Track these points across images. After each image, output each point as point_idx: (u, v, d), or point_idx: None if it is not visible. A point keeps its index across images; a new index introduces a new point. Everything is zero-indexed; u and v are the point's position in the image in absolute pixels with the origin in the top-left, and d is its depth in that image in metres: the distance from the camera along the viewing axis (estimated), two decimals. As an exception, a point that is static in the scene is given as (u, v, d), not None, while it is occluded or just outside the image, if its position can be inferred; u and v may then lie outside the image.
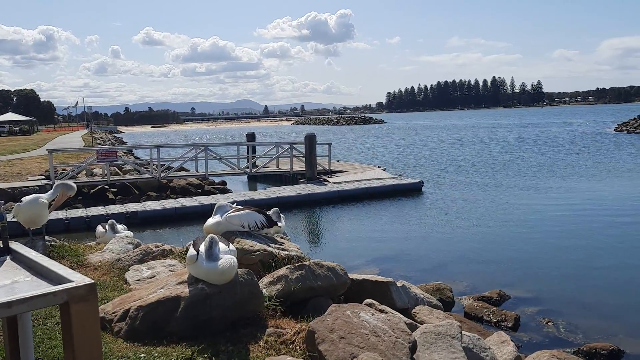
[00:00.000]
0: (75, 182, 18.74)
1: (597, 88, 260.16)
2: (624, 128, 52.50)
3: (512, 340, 5.44)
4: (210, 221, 5.26)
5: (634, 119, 54.13)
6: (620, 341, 6.87)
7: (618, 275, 9.70)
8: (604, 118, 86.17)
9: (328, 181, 20.70)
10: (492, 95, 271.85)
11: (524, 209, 16.21)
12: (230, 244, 4.08)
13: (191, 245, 3.97)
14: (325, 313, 3.91)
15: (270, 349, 3.63)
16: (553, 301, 8.52)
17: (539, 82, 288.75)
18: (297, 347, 3.72)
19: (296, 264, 4.82)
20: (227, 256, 3.77)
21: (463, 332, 4.61)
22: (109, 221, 7.39)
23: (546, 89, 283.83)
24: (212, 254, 3.74)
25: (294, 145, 22.73)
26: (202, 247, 3.78)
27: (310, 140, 21.44)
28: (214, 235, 3.88)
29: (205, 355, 3.39)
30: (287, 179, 23.06)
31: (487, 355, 4.49)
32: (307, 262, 4.89)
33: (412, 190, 19.67)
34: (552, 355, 4.50)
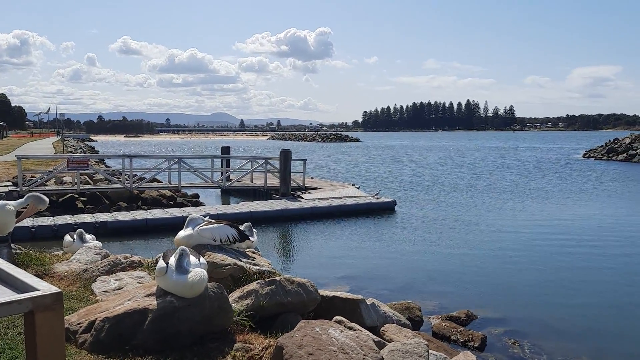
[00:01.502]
0: (44, 190, 18.42)
1: (567, 115, 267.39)
2: (592, 155, 53.95)
3: (477, 360, 5.50)
4: (182, 233, 5.23)
5: (602, 146, 55.66)
6: (583, 363, 7.00)
7: (583, 298, 9.90)
8: (572, 144, 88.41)
9: (302, 197, 20.71)
10: (466, 118, 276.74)
11: (492, 230, 16.47)
12: (201, 257, 4.06)
13: (161, 258, 3.94)
14: (294, 329, 3.90)
15: (237, 364, 3.61)
16: (519, 322, 8.65)
17: (511, 106, 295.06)
18: (265, 363, 3.70)
19: (267, 279, 4.81)
20: (197, 269, 3.74)
21: (430, 351, 4.65)
22: (77, 230, 7.26)
23: (518, 113, 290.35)
24: (182, 267, 3.71)
25: (269, 160, 22.72)
26: (172, 260, 3.75)
27: (286, 156, 21.47)
28: (185, 248, 3.86)
29: (171, 369, 3.36)
30: (260, 194, 23.00)
31: (453, 375, 4.53)
32: (277, 278, 4.90)
33: (385, 209, 19.80)
34: (516, 375, 4.57)
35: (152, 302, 3.78)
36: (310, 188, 23.01)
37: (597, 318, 8.91)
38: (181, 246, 3.88)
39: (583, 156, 55.33)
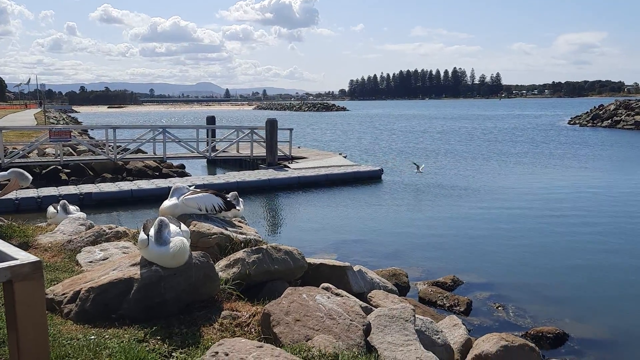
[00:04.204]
0: (26, 162, 18.15)
1: (553, 82, 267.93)
2: (577, 121, 54.29)
3: (463, 324, 5.59)
4: (167, 203, 5.17)
5: (587, 112, 55.98)
6: (566, 325, 7.15)
7: (566, 262, 10.06)
8: (558, 111, 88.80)
9: (289, 167, 20.66)
10: (452, 85, 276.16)
11: (477, 196, 16.59)
12: (182, 225, 4.01)
13: (141, 229, 3.89)
14: (282, 296, 3.91)
15: (225, 331, 3.61)
16: (504, 287, 8.78)
17: (497, 74, 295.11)
18: (252, 330, 3.71)
19: (253, 248, 4.80)
20: (177, 238, 3.70)
21: (416, 316, 4.70)
22: (61, 202, 7.17)
23: (504, 81, 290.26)
24: (162, 238, 3.66)
25: (255, 130, 22.55)
26: (152, 231, 3.70)
27: (272, 125, 21.31)
28: (163, 218, 3.80)
29: (158, 337, 3.35)
30: (247, 164, 22.90)
31: (438, 338, 4.60)
32: (264, 246, 4.88)
33: (372, 178, 19.83)
34: (500, 338, 4.64)
35: (137, 272, 3.75)
36: (297, 157, 22.94)
37: (580, 282, 9.07)
38: (159, 217, 3.82)
39: (568, 123, 55.68)
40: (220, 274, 4.36)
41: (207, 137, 23.62)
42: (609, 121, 48.92)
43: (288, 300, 3.78)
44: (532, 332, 6.77)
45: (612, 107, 52.08)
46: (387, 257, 10.34)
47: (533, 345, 4.86)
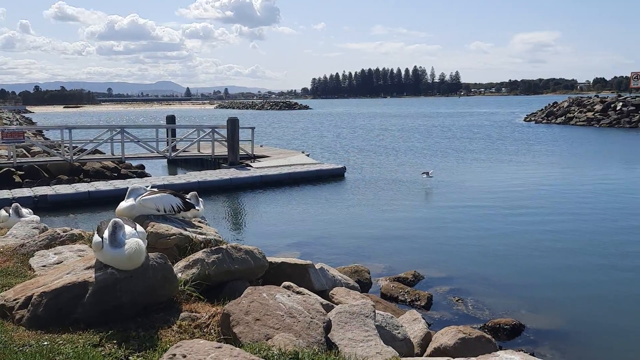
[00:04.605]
0: (-24, 164, 17.38)
1: (510, 80, 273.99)
2: (533, 118, 55.80)
3: (423, 318, 5.68)
4: (123, 204, 5.08)
5: (542, 110, 57.60)
6: (522, 316, 7.36)
7: (523, 256, 10.33)
8: (514, 109, 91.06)
9: (251, 166, 20.55)
10: (413, 84, 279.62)
11: (438, 193, 16.88)
12: (138, 226, 3.95)
13: (95, 232, 3.80)
14: (242, 296, 3.89)
15: (183, 333, 3.57)
16: (463, 280, 8.97)
17: (457, 72, 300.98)
18: (212, 331, 3.69)
19: (213, 248, 4.76)
20: (132, 240, 3.63)
21: (377, 312, 4.76)
22: (13, 205, 6.95)
23: (464, 79, 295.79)
24: (116, 240, 3.59)
25: (216, 129, 22.32)
26: (107, 233, 3.62)
27: (233, 124, 21.15)
28: (117, 219, 3.73)
29: (115, 341, 3.29)
30: (208, 163, 22.66)
31: (399, 333, 4.66)
32: (224, 246, 4.85)
33: (335, 176, 19.93)
34: (458, 330, 4.74)
35: (92, 275, 3.67)
36: (259, 156, 22.84)
37: (536, 274, 9.34)
38: (113, 219, 3.74)
39: (524, 120, 57.15)
40: (179, 275, 4.31)
41: (167, 136, 23.25)
42: (563, 118, 50.47)
43: (248, 300, 3.76)
44: (489, 324, 6.94)
45: (566, 104, 53.76)
46: (349, 254, 10.41)
47: (489, 336, 4.98)
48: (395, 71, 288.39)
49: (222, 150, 22.09)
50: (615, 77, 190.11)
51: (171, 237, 4.91)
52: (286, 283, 5.10)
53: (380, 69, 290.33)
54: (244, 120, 60.06)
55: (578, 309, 7.78)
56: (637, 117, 44.28)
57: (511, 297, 8.23)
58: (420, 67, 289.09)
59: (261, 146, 27.47)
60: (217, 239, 5.33)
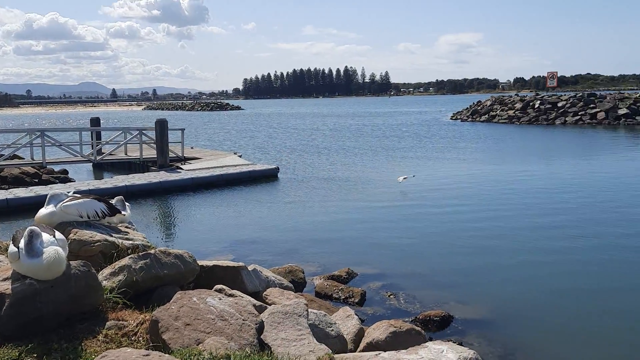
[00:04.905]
0: None
1: (437, 80, 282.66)
2: (458, 117, 57.95)
3: (356, 314, 5.78)
4: (43, 211, 4.83)
5: (467, 108, 59.93)
6: (451, 308, 7.64)
7: (451, 249, 10.72)
8: (441, 107, 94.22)
9: (181, 168, 20.11)
10: (345, 84, 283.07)
11: (369, 190, 17.21)
12: (57, 233, 3.77)
13: (11, 241, 3.59)
14: (171, 301, 3.81)
15: (110, 343, 3.45)
16: (396, 276, 9.19)
17: (386, 72, 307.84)
18: (140, 339, 3.59)
19: (141, 253, 4.62)
20: (51, 248, 3.46)
21: (310, 310, 4.79)
22: None
23: (393, 79, 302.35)
24: (33, 249, 3.40)
25: (144, 131, 21.69)
26: (22, 242, 3.43)
27: (162, 126, 20.62)
28: (33, 227, 3.54)
29: (35, 355, 3.13)
30: (137, 166, 21.97)
31: (332, 330, 4.72)
32: (152, 251, 4.72)
33: (268, 176, 19.86)
34: (389, 324, 4.86)
35: (9, 287, 3.47)
36: (190, 158, 22.41)
37: (464, 267, 9.71)
38: (29, 227, 3.55)
39: (451, 118, 59.23)
40: (104, 282, 4.15)
41: (92, 139, 22.34)
42: (486, 116, 52.72)
43: (178, 305, 3.69)
44: (420, 317, 7.15)
45: (489, 103, 56.20)
46: (283, 255, 10.42)
47: (419, 329, 5.14)
48: (326, 71, 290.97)
49: (151, 152, 21.49)
50: (533, 77, 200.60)
51: (95, 244, 4.73)
52: (218, 286, 5.02)
53: (312, 69, 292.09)
54: (174, 121, 58.78)
55: (502, 298, 8.16)
56: (554, 114, 46.97)
57: (441, 290, 8.51)
58: (351, 67, 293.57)
59: (192, 148, 26.96)
60: (145, 244, 5.18)
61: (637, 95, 50.03)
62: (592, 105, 46.34)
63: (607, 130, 39.87)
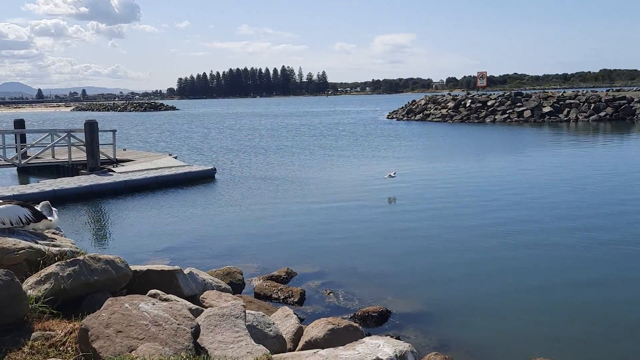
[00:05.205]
0: None
1: (373, 79, 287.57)
2: (394, 116, 59.19)
3: (295, 314, 5.79)
4: (-40, 219, 4.55)
5: (402, 107, 61.30)
6: (389, 303, 7.79)
7: (389, 246, 10.94)
8: (378, 107, 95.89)
9: (114, 171, 19.45)
10: (282, 83, 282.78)
11: (307, 190, 17.28)
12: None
13: None
14: (101, 308, 3.68)
15: (36, 354, 3.30)
16: (335, 274, 9.28)
17: (324, 72, 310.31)
18: (69, 349, 3.44)
19: (68, 260, 4.44)
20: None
21: (249, 311, 4.76)
22: None
23: (330, 79, 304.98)
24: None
25: (73, 133, 20.81)
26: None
27: (91, 127, 19.84)
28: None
29: (-48, 373, 2.94)
30: (66, 170, 21.04)
31: (270, 330, 4.70)
32: (81, 257, 4.54)
33: (205, 177, 19.55)
34: (327, 322, 4.90)
35: None
36: (123, 160, 21.72)
37: (401, 263, 9.93)
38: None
39: (387, 117, 60.40)
40: (29, 292, 3.96)
41: (16, 142, 21.19)
42: (421, 115, 54.15)
43: (109, 312, 3.57)
44: (359, 313, 7.25)
45: (423, 102, 57.72)
46: (221, 257, 10.29)
47: (357, 325, 5.21)
48: (263, 71, 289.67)
49: (80, 155, 20.65)
50: (465, 77, 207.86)
51: (19, 252, 4.50)
52: (152, 291, 4.90)
53: (249, 69, 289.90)
54: (105, 122, 56.77)
55: (439, 292, 8.41)
56: (484, 113, 48.85)
57: (379, 286, 8.67)
58: (289, 67, 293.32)
59: (124, 150, 26.14)
60: (74, 250, 4.99)
61: (560, 94, 52.94)
62: (519, 104, 48.54)
63: (533, 127, 41.86)
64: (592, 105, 45.99)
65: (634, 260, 9.50)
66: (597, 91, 57.89)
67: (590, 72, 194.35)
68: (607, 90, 60.72)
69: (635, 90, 62.98)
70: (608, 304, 7.81)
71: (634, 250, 10.02)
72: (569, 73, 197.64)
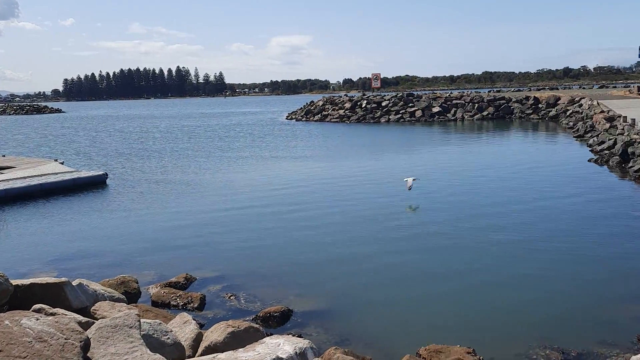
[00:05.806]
0: None
1: (272, 80, 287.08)
2: (293, 117, 59.64)
3: (194, 319, 5.67)
4: None
5: (300, 108, 61.92)
6: (291, 302, 7.87)
7: (291, 246, 11.02)
8: (277, 108, 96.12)
9: (-9, 179, 17.87)
10: (178, 84, 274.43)
11: (203, 193, 16.97)
12: None
13: None
14: (-24, 328, 3.38)
15: None
16: (236, 277, 9.19)
17: (221, 73, 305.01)
18: (-61, 375, 3.13)
19: (-64, 278, 4.03)
20: None
21: (144, 320, 4.60)
22: None
23: (228, 80, 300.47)
24: None
25: (-59, 139, 18.84)
26: None
27: (-36, 132, 18.10)
28: None
29: None
30: None
31: (168, 338, 4.57)
32: (-49, 274, 4.14)
33: (95, 183, 18.56)
34: (227, 325, 4.85)
35: None
36: (2, 168, 20.04)
37: (301, 262, 10.05)
38: None
39: (286, 118, 60.70)
40: None
41: None
42: (319, 115, 55.01)
43: (-15, 332, 3.29)
44: (261, 315, 7.25)
45: (321, 103, 58.69)
46: (115, 266, 9.83)
47: (257, 326, 5.21)
48: (157, 71, 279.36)
49: (-50, 163, 18.76)
50: (360, 78, 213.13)
51: None
52: (37, 306, 4.58)
53: (142, 69, 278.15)
54: (-20, 127, 51.80)
55: (338, 289, 8.61)
56: (379, 113, 50.62)
57: (281, 286, 8.72)
58: (184, 67, 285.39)
59: (3, 156, 24.15)
60: (-58, 267, 4.53)
61: (447, 94, 56.17)
62: (411, 105, 50.84)
63: (424, 126, 44.02)
64: (476, 105, 49.25)
65: (519, 246, 10.32)
66: (480, 92, 62.21)
67: (474, 74, 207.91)
68: (489, 91, 65.42)
69: (513, 91, 68.40)
70: (494, 289, 8.42)
71: (520, 237, 10.88)
72: (455, 75, 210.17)
